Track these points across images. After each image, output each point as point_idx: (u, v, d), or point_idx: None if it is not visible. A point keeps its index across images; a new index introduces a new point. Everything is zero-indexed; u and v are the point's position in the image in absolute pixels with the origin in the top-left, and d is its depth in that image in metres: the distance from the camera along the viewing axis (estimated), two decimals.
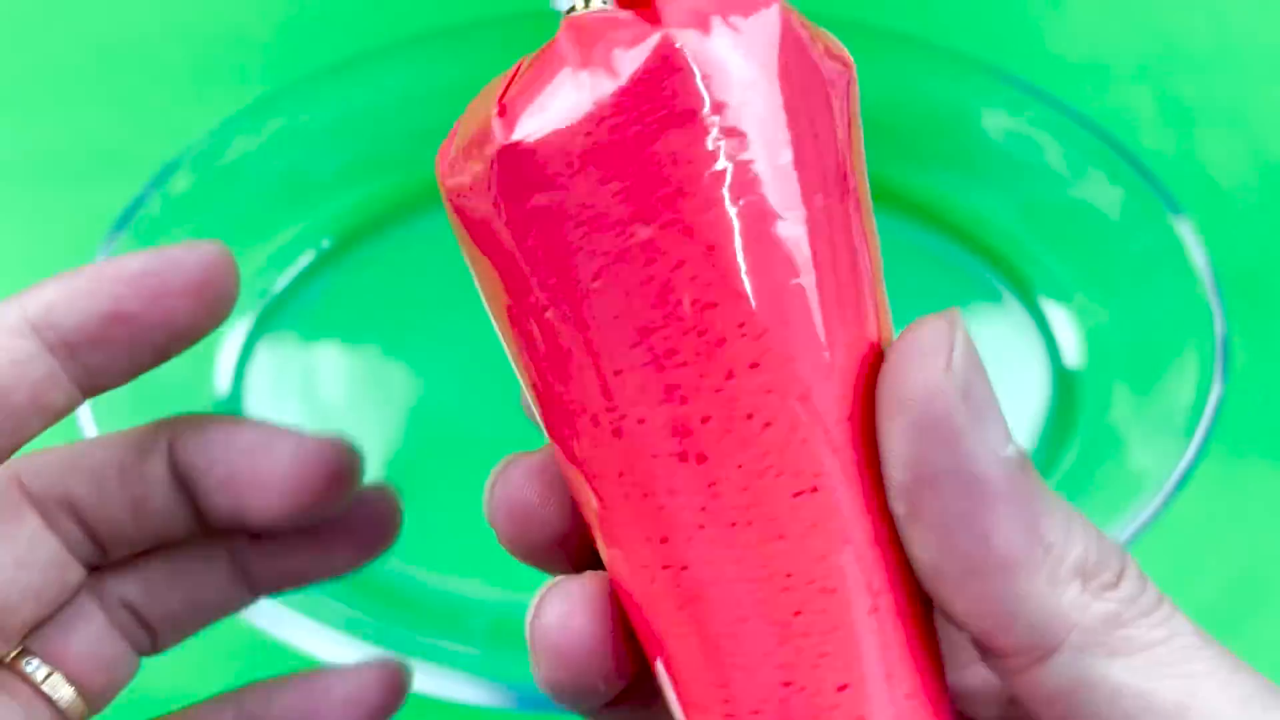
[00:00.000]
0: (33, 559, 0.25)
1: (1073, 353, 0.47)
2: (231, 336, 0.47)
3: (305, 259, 0.49)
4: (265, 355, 0.47)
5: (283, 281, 0.48)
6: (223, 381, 0.46)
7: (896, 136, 0.50)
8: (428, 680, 0.36)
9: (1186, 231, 0.45)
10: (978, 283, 0.49)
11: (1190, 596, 0.43)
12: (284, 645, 0.38)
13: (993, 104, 0.49)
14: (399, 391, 0.47)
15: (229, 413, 0.45)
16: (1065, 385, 0.46)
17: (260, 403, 0.45)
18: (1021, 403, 0.46)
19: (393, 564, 0.43)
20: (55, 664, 0.26)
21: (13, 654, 0.25)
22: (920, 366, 0.19)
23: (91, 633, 0.27)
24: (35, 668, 0.26)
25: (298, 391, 0.46)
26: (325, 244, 0.49)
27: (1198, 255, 0.44)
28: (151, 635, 0.29)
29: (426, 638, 0.39)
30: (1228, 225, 0.52)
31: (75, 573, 0.26)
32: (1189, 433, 0.40)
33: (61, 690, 0.26)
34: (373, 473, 0.45)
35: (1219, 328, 0.42)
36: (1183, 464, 0.39)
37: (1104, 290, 0.47)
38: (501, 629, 0.41)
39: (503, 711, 0.40)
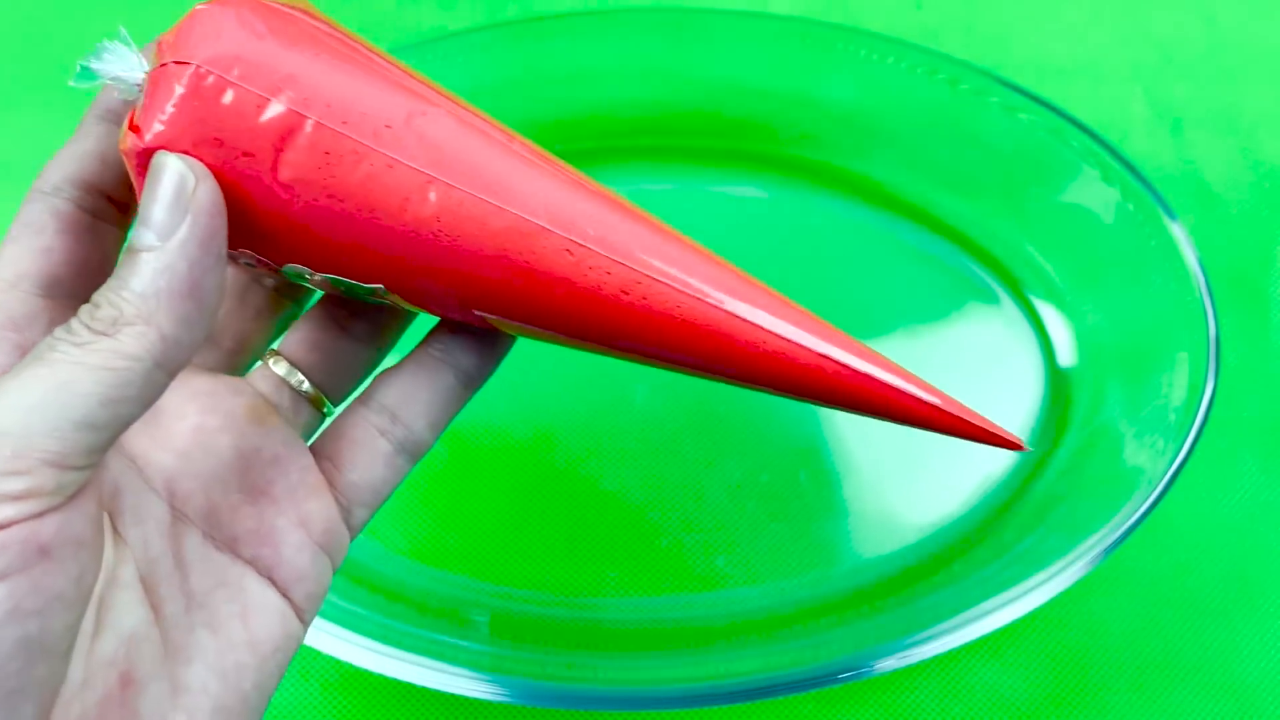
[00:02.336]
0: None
1: (1066, 352, 0.47)
2: None
3: None
4: None
5: None
6: None
7: (894, 140, 0.51)
8: (428, 677, 0.36)
9: (1179, 232, 0.45)
10: (973, 283, 0.49)
11: (1181, 594, 0.44)
12: None
13: (987, 107, 0.49)
14: None
15: None
16: (1059, 384, 0.46)
17: None
18: (1016, 401, 0.46)
19: (393, 563, 0.43)
20: (282, 354, 0.31)
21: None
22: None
23: (309, 325, 0.32)
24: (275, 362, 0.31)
25: None
26: None
27: (1190, 256, 0.44)
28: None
29: (427, 635, 0.39)
30: (1220, 226, 0.52)
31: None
32: (1181, 432, 0.40)
33: (293, 376, 0.31)
34: None
35: (1211, 328, 0.42)
36: (1175, 463, 0.39)
37: (1097, 291, 0.47)
38: (501, 625, 0.41)
39: (503, 708, 0.40)
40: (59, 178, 0.28)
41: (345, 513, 0.30)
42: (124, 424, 0.25)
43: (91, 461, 0.24)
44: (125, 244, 0.27)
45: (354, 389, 0.32)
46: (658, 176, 0.52)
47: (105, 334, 0.25)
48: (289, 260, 0.28)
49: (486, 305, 0.29)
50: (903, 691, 0.41)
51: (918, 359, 0.47)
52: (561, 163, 0.30)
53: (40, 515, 0.23)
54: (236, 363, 0.31)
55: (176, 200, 0.26)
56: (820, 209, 0.51)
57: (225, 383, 0.30)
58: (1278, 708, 0.41)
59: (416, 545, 0.43)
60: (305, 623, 0.29)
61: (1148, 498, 0.39)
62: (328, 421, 0.31)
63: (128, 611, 0.26)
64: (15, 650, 0.23)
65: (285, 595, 0.28)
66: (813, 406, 0.46)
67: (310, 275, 0.29)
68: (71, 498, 0.24)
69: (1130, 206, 0.46)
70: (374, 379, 0.31)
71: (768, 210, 0.51)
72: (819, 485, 0.44)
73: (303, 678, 0.41)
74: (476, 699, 0.37)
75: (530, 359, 0.47)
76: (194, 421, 0.28)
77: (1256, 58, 0.58)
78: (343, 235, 0.27)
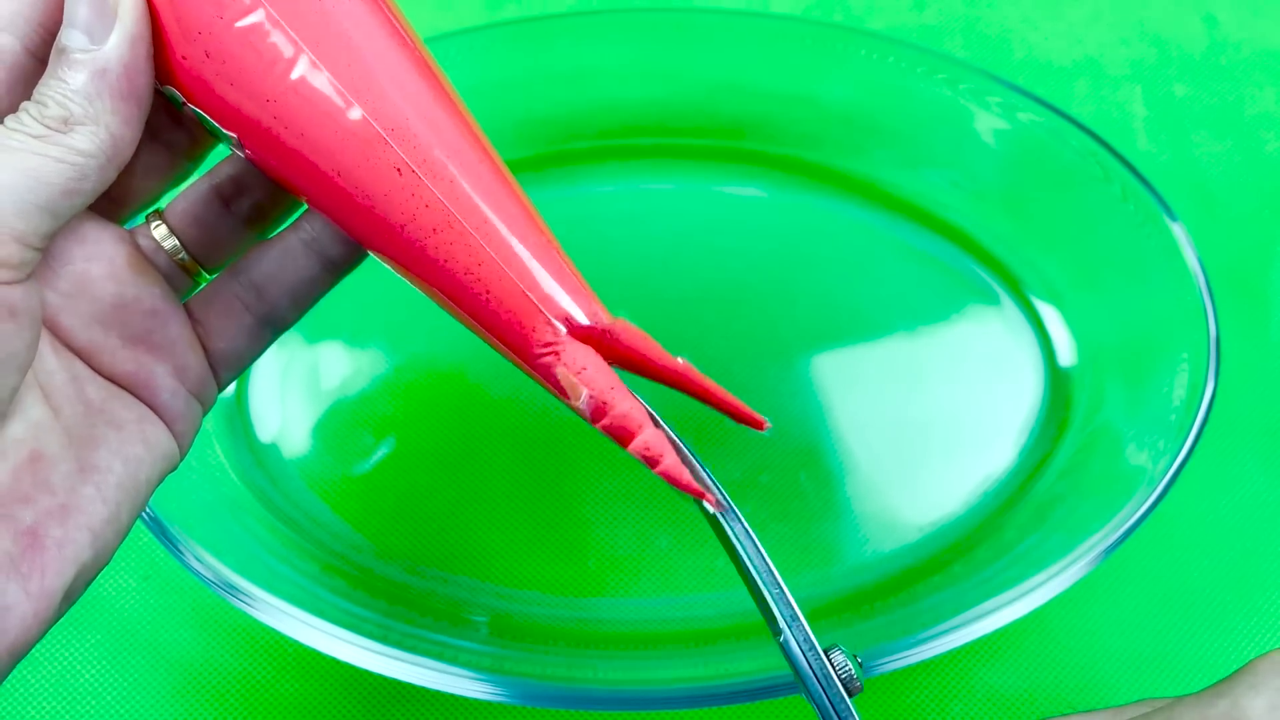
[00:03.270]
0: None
1: (1067, 352, 0.47)
2: None
3: None
4: (270, 354, 0.47)
5: None
6: None
7: (892, 140, 0.51)
8: (428, 677, 0.36)
9: (1179, 232, 0.45)
10: (973, 283, 0.49)
11: (1182, 592, 0.44)
12: (289, 641, 0.38)
13: (987, 107, 0.50)
14: (402, 392, 0.47)
15: (232, 413, 0.45)
16: (1059, 384, 0.46)
17: (265, 402, 0.46)
18: (1016, 401, 0.46)
19: (393, 564, 0.43)
20: (164, 219, 0.33)
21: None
22: None
23: (194, 196, 0.33)
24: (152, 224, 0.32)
25: (302, 390, 0.46)
26: None
27: (1190, 256, 0.44)
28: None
29: (427, 635, 0.39)
30: (1220, 226, 0.52)
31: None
32: (1182, 432, 0.40)
33: (168, 240, 0.32)
34: (375, 471, 0.45)
35: (1211, 328, 0.42)
36: (1175, 463, 0.39)
37: (1097, 290, 0.47)
38: (501, 625, 0.41)
39: (503, 708, 0.41)
40: (9, 10, 0.29)
41: (214, 374, 0.32)
42: (74, 213, 0.28)
43: (44, 246, 0.27)
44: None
45: (229, 262, 0.33)
46: (658, 176, 0.52)
47: (58, 130, 0.27)
48: (167, 81, 0.30)
49: (314, 193, 0.30)
50: (903, 692, 0.41)
51: (918, 359, 0.48)
52: (462, 111, 0.31)
53: (8, 284, 0.26)
54: (121, 214, 0.32)
55: (104, 3, 0.28)
56: (820, 209, 0.51)
57: (110, 230, 0.31)
58: None
59: (416, 546, 0.43)
60: (182, 453, 0.32)
61: (1148, 498, 0.39)
62: (200, 286, 0.33)
63: (33, 405, 0.28)
64: None
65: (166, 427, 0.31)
66: (813, 407, 0.46)
67: (183, 104, 0.30)
68: (28, 276, 0.27)
69: (1130, 206, 0.46)
70: (246, 253, 0.33)
71: (768, 210, 0.51)
72: (819, 485, 0.44)
73: (303, 678, 0.41)
74: (476, 699, 0.37)
75: None
76: (80, 267, 0.30)
77: (1256, 58, 0.58)
78: (212, 73, 0.29)
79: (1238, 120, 0.56)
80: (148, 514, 0.38)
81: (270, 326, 0.33)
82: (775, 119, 0.52)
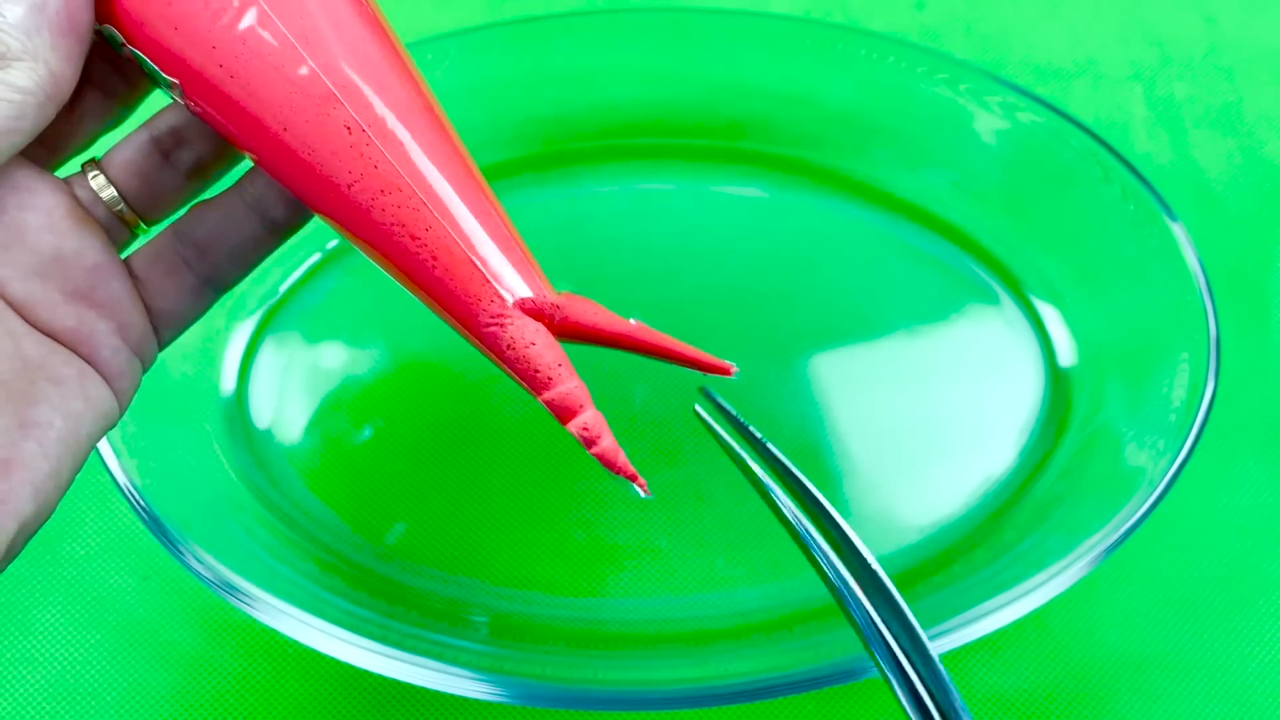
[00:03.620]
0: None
1: (1067, 352, 0.47)
2: (237, 336, 0.47)
3: (311, 260, 0.49)
4: (270, 354, 0.47)
5: (288, 282, 0.49)
6: (228, 380, 0.46)
7: (892, 140, 0.51)
8: (428, 677, 0.36)
9: (1179, 232, 0.45)
10: (973, 283, 0.49)
11: (1181, 594, 0.44)
12: (289, 641, 0.38)
13: (987, 107, 0.50)
14: (401, 392, 0.47)
15: (232, 413, 0.45)
16: (1059, 384, 0.46)
17: (265, 401, 0.46)
18: (1016, 401, 0.46)
19: (393, 564, 0.43)
20: (102, 170, 0.32)
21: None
22: None
23: (133, 148, 0.32)
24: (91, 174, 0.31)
25: (301, 391, 0.46)
26: (331, 244, 0.49)
27: (1190, 256, 0.44)
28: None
29: (427, 635, 0.39)
30: (1220, 226, 0.52)
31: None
32: (1182, 432, 0.40)
33: (106, 191, 0.31)
34: (375, 471, 0.45)
35: (1211, 328, 0.42)
36: (1176, 463, 0.39)
37: (1097, 290, 0.47)
38: (501, 625, 0.41)
39: (503, 708, 0.40)
40: None
41: (155, 332, 0.32)
42: (11, 154, 0.27)
43: None
44: None
45: (170, 216, 0.33)
46: (658, 176, 0.52)
47: None
48: (108, 21, 0.29)
49: (257, 148, 0.30)
50: None
51: (918, 359, 0.47)
52: (416, 78, 0.30)
53: None
54: (53, 160, 0.31)
55: None
56: (820, 209, 0.51)
57: (46, 179, 0.30)
58: (1278, 708, 0.41)
59: (416, 546, 0.43)
60: (122, 410, 0.31)
61: (1148, 498, 0.39)
62: (140, 241, 0.33)
63: None
64: None
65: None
66: (813, 407, 0.46)
67: (122, 44, 0.29)
68: None
69: (1130, 206, 0.46)
70: (188, 210, 0.33)
71: (768, 210, 0.51)
72: (819, 485, 0.44)
73: (303, 678, 0.41)
74: (476, 699, 0.37)
75: None
76: (13, 216, 0.29)
77: (1256, 58, 0.58)
78: (155, 14, 0.28)
79: (1238, 120, 0.56)
80: (147, 514, 0.38)
81: (213, 287, 0.33)
82: (775, 119, 0.52)
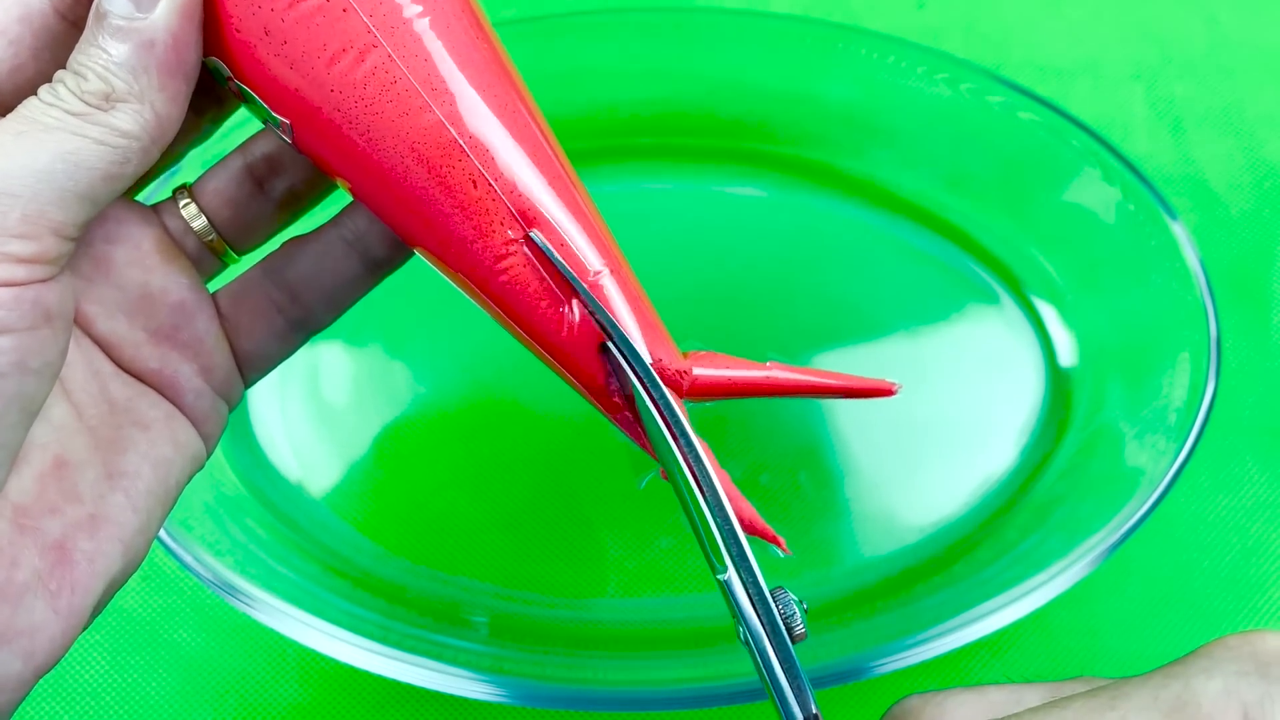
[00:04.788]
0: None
1: (1067, 352, 0.47)
2: None
3: None
4: None
5: None
6: None
7: (893, 139, 0.51)
8: (428, 677, 0.36)
9: (1180, 232, 0.45)
10: (973, 283, 0.49)
11: (1183, 594, 0.44)
12: (289, 641, 0.38)
13: (987, 107, 0.49)
14: (401, 391, 0.47)
15: (234, 415, 0.45)
16: (1059, 384, 0.46)
17: (264, 401, 0.46)
18: (1016, 401, 0.46)
19: (393, 564, 0.43)
20: (194, 197, 0.30)
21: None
22: None
23: (227, 176, 0.30)
24: (183, 202, 0.30)
25: (301, 391, 0.46)
26: None
27: (1191, 256, 0.44)
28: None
29: (426, 635, 0.39)
30: (1220, 226, 0.52)
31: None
32: (1182, 432, 0.40)
33: (198, 221, 0.30)
34: (375, 471, 0.45)
35: (1212, 328, 0.42)
36: (1176, 463, 0.39)
37: (1098, 290, 0.47)
38: (501, 625, 0.41)
39: (502, 708, 0.40)
40: None
41: (240, 373, 0.30)
42: (112, 199, 0.25)
43: (79, 235, 0.25)
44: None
45: (258, 246, 0.31)
46: (658, 176, 0.52)
47: (99, 108, 0.25)
48: (215, 54, 0.27)
49: (369, 193, 0.28)
50: (903, 692, 0.41)
51: (918, 359, 0.47)
52: (541, 131, 0.29)
53: (44, 281, 0.24)
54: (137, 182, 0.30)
55: None
56: (820, 209, 0.51)
57: (134, 210, 0.29)
58: None
59: (416, 546, 0.43)
60: (208, 453, 0.30)
61: (1149, 498, 0.39)
62: (228, 272, 0.31)
63: (54, 405, 0.26)
64: (9, 405, 0.23)
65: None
66: (813, 407, 0.46)
67: (228, 79, 0.28)
68: (62, 270, 0.24)
69: (1131, 206, 0.46)
70: (281, 246, 0.31)
71: (768, 210, 0.51)
72: (819, 485, 0.44)
73: (303, 678, 0.41)
74: (476, 699, 0.37)
75: (534, 364, 0.47)
76: (100, 249, 0.28)
77: (1257, 57, 0.58)
78: (269, 52, 0.27)
79: (1238, 120, 0.56)
80: None
81: (302, 330, 0.31)
82: (775, 119, 0.52)
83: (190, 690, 0.41)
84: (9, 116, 0.25)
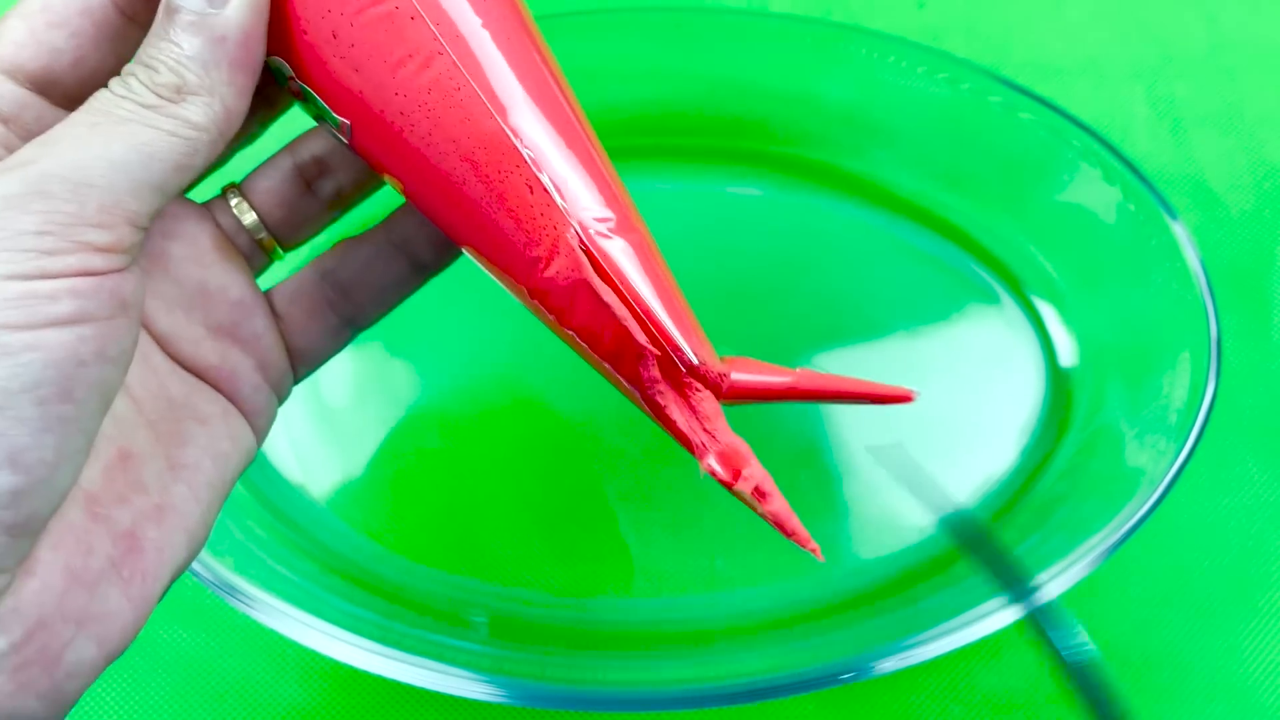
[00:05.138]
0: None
1: (1067, 352, 0.47)
2: None
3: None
4: None
5: None
6: None
7: (893, 139, 0.51)
8: (428, 677, 0.36)
9: (1180, 232, 0.45)
10: (973, 283, 0.49)
11: (1182, 594, 0.44)
12: (288, 641, 0.38)
13: (987, 107, 0.49)
14: (401, 391, 0.47)
15: None
16: (1060, 384, 0.46)
17: None
18: (1016, 401, 0.46)
19: (392, 563, 0.43)
20: (244, 196, 0.31)
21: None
22: None
23: (278, 175, 0.31)
24: (234, 201, 0.31)
25: (300, 390, 0.46)
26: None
27: (1191, 256, 0.44)
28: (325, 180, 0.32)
29: (426, 635, 0.39)
30: (1221, 226, 0.52)
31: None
32: (1183, 432, 0.40)
33: (248, 217, 0.31)
34: (374, 471, 0.45)
35: (1212, 328, 0.42)
36: (1177, 464, 0.39)
37: (1098, 290, 0.47)
38: (501, 625, 0.41)
39: (502, 709, 0.40)
40: None
41: (292, 369, 0.31)
42: (182, 191, 0.26)
43: (149, 225, 0.25)
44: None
45: (306, 242, 0.32)
46: (658, 176, 0.52)
47: (170, 101, 0.25)
48: (278, 53, 0.28)
49: (423, 195, 0.29)
50: (903, 693, 0.41)
51: (918, 359, 0.47)
52: (589, 138, 0.29)
53: (120, 271, 0.24)
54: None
55: None
56: (820, 209, 0.51)
57: (189, 207, 0.29)
58: (1278, 708, 0.41)
59: (416, 545, 0.43)
60: (259, 445, 0.30)
61: (1149, 498, 0.39)
62: (276, 269, 0.32)
63: (116, 399, 0.26)
64: (91, 392, 0.24)
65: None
66: (813, 407, 0.46)
67: (289, 78, 0.28)
68: (134, 260, 0.25)
69: (1131, 206, 0.46)
70: (334, 246, 0.32)
71: (767, 210, 0.51)
72: (819, 485, 0.44)
73: (303, 678, 0.41)
74: (476, 700, 0.37)
75: (533, 363, 0.47)
76: (158, 244, 0.28)
77: (1257, 58, 0.58)
78: (335, 54, 0.27)
79: (1238, 120, 0.56)
80: None
81: (353, 326, 0.32)
82: (775, 118, 0.52)
83: (190, 690, 0.41)
84: (82, 109, 0.25)
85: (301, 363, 0.31)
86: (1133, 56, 0.58)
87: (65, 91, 0.27)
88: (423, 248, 0.32)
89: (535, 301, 0.29)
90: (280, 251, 0.32)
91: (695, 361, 0.29)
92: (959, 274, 0.49)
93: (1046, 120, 0.48)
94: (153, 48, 0.25)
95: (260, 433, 0.30)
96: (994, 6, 0.60)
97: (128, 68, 0.26)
